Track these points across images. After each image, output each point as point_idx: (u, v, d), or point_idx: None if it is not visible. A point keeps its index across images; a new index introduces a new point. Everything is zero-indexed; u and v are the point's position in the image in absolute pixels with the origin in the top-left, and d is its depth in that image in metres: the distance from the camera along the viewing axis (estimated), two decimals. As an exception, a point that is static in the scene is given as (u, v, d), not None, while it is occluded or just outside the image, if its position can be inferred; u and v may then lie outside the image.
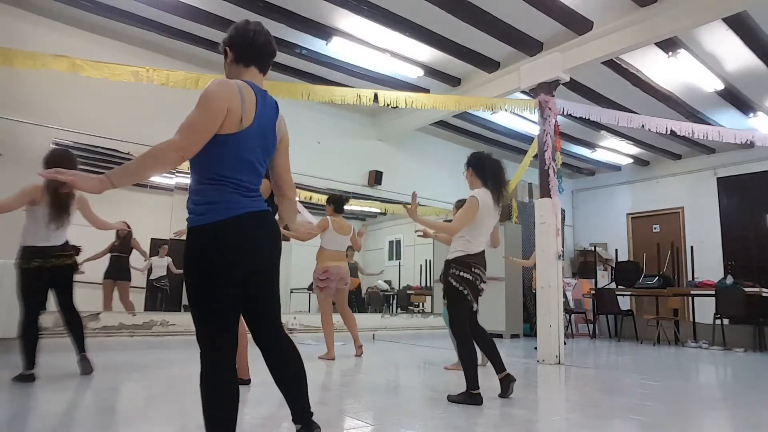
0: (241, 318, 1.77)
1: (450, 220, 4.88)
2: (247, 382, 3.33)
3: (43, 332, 3.47)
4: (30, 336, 3.34)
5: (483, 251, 3.33)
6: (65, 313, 3.57)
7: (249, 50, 1.75)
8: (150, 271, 7.31)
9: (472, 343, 3.20)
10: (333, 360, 4.84)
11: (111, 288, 6.25)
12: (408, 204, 3.29)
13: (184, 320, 5.88)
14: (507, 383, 3.23)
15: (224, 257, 1.61)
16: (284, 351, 1.79)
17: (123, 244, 6.43)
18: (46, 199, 3.37)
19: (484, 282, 3.32)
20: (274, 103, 1.78)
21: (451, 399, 3.10)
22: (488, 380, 3.43)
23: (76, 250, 3.66)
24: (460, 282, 3.20)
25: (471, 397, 3.05)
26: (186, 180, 6.96)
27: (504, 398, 3.20)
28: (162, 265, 7.37)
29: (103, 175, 1.47)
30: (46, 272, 3.38)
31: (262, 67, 1.79)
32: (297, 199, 2.04)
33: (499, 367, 3.27)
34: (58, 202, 3.37)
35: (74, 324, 3.58)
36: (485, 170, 3.37)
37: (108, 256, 6.38)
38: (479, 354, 3.35)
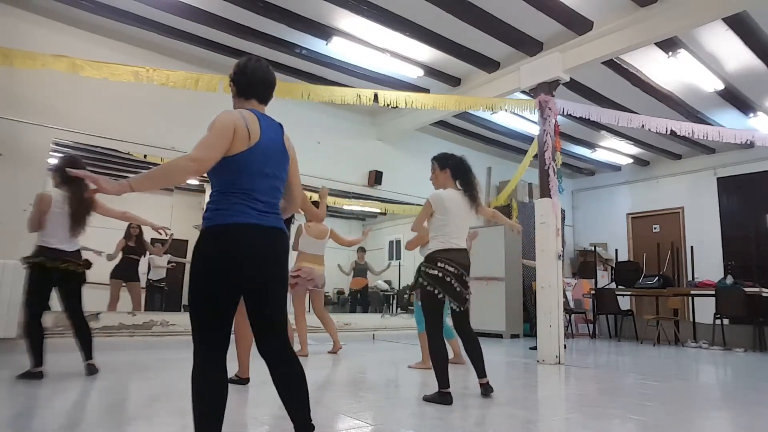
0: (247, 319, 1.86)
1: None
2: (246, 381, 3.37)
3: (47, 332, 3.50)
4: (34, 334, 3.39)
5: (460, 249, 3.23)
6: (72, 319, 3.59)
7: (248, 85, 1.95)
8: (149, 270, 7.27)
9: (442, 342, 3.18)
10: (306, 356, 4.91)
11: (119, 288, 6.18)
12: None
13: (183, 320, 5.89)
14: (485, 391, 3.25)
15: (220, 259, 1.70)
16: (284, 364, 1.83)
17: (138, 246, 6.39)
18: (67, 209, 3.46)
19: (461, 279, 3.19)
20: (278, 124, 1.95)
21: (426, 398, 3.10)
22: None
23: (88, 263, 3.67)
24: (426, 278, 3.18)
25: (441, 396, 3.03)
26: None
27: (486, 396, 3.23)
28: (162, 264, 7.32)
29: (125, 180, 1.60)
30: (54, 273, 3.45)
31: (262, 98, 1.97)
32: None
33: (480, 372, 3.27)
34: (79, 214, 3.48)
35: (81, 331, 3.60)
36: (455, 169, 3.36)
37: (119, 256, 6.33)
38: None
